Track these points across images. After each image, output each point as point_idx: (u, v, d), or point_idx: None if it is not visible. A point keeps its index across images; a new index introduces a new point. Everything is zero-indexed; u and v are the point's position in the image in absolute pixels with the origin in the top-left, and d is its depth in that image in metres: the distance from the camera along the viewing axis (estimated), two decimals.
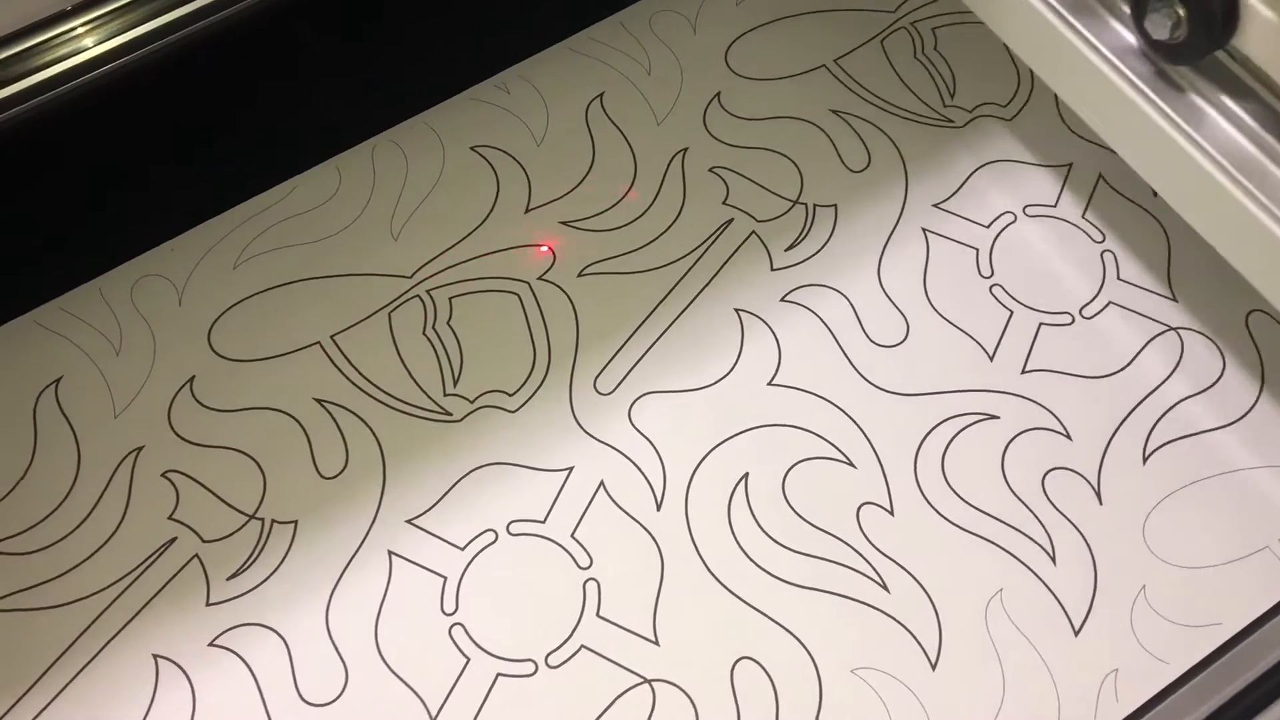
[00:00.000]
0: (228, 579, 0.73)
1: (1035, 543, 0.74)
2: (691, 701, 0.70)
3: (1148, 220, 0.85)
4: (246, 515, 0.75)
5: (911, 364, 0.80)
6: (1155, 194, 0.85)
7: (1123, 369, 0.80)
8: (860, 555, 0.74)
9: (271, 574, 0.73)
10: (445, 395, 0.79)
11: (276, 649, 0.71)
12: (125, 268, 0.84)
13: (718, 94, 0.90)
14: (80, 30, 0.70)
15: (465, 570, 0.73)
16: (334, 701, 0.70)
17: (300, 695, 0.70)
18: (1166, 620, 0.72)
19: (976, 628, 0.72)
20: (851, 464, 0.77)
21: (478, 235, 0.84)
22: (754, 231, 0.85)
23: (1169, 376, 0.80)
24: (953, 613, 0.72)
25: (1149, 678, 0.70)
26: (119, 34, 0.71)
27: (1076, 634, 0.72)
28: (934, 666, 0.71)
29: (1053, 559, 0.74)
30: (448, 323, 0.81)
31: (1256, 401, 0.79)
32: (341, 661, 0.71)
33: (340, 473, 0.76)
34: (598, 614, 0.72)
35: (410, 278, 0.83)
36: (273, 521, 0.75)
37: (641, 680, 0.70)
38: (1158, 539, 0.74)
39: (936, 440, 0.77)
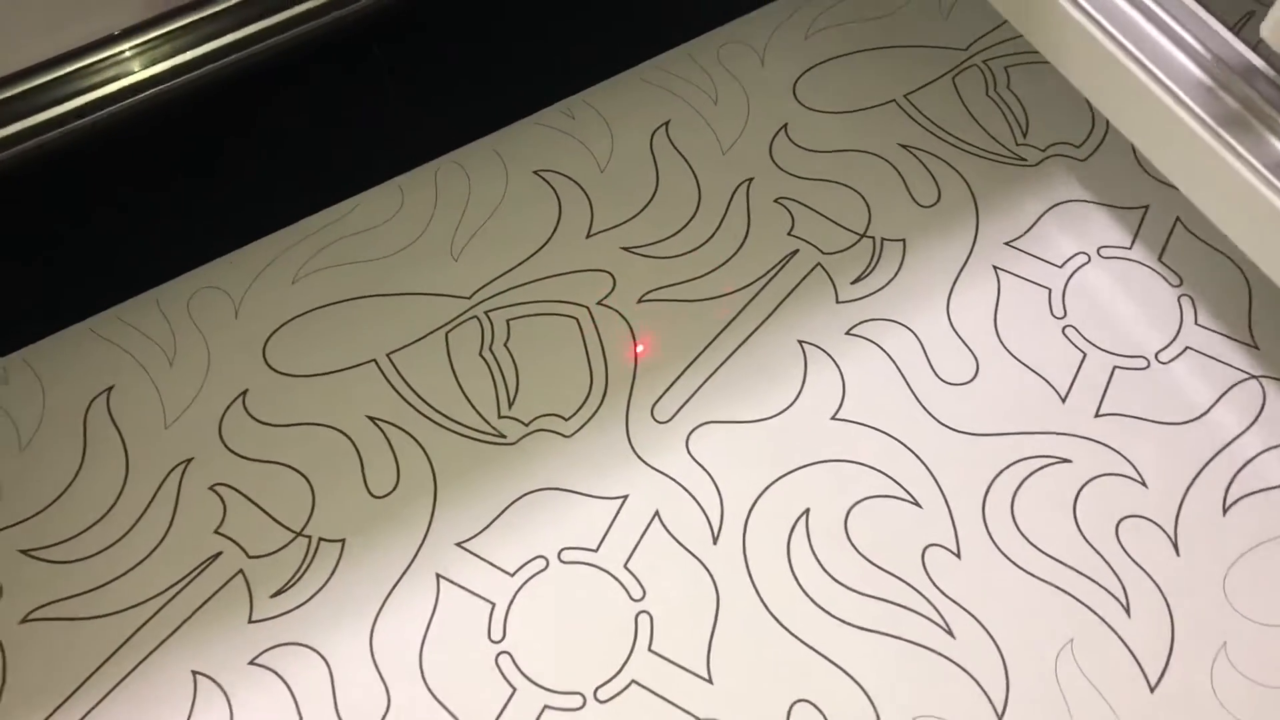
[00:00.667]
0: (271, 596, 0.71)
1: (1108, 592, 0.71)
2: None
3: (1227, 265, 0.83)
4: (294, 532, 0.73)
5: (981, 403, 0.77)
6: None
7: (1200, 417, 0.77)
8: (925, 598, 0.71)
9: (316, 593, 0.71)
10: (500, 418, 0.77)
11: (318, 670, 0.69)
12: (183, 279, 0.84)
13: (785, 125, 0.89)
14: (154, 43, 0.70)
15: (514, 597, 0.71)
16: None
17: (340, 718, 0.67)
18: (1250, 680, 0.68)
19: (1046, 679, 0.68)
20: (917, 504, 0.74)
21: (538, 259, 0.83)
22: (819, 263, 0.83)
23: (1250, 426, 0.76)
24: (1021, 662, 0.69)
25: None
26: (188, 48, 0.71)
27: (1153, 690, 0.68)
28: (1000, 717, 0.67)
29: (1126, 610, 0.70)
30: (505, 344, 0.80)
31: None
32: (384, 685, 0.68)
33: (391, 492, 0.75)
34: (650, 648, 0.70)
35: (469, 299, 0.82)
36: (320, 539, 0.73)
37: (693, 719, 0.67)
38: (1239, 594, 0.71)
39: (1006, 482, 0.75)
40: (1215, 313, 0.81)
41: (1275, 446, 0.76)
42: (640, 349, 0.74)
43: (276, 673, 0.69)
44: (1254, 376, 0.78)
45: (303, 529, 0.73)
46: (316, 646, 0.69)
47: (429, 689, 0.68)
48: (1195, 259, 0.83)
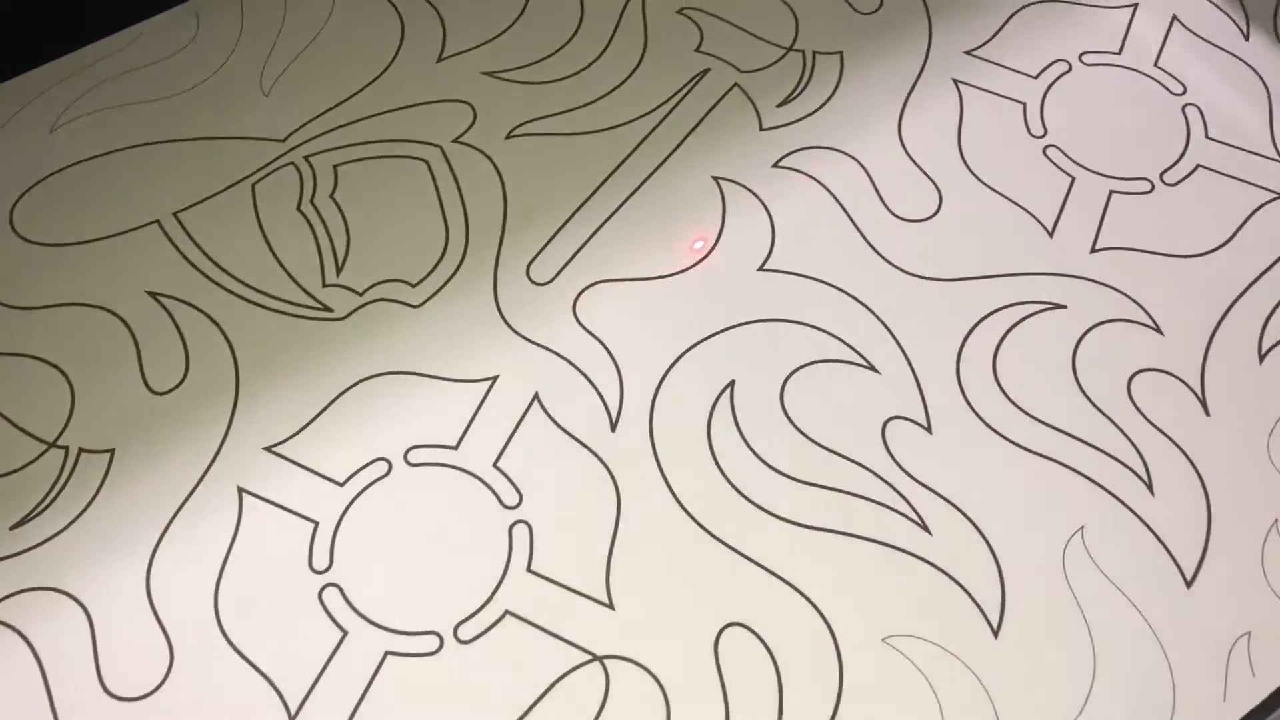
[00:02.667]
0: (12, 527, 0.52)
1: (1125, 466, 0.54)
2: (660, 684, 0.49)
3: (1240, 68, 0.66)
4: (45, 443, 0.54)
5: (947, 242, 0.60)
6: (1247, 37, 0.66)
7: (1223, 244, 0.61)
8: (889, 485, 0.54)
9: (74, 520, 0.52)
10: (325, 287, 0.58)
11: (74, 621, 0.50)
12: None
13: None
14: None
15: (344, 514, 0.53)
16: (152, 694, 0.49)
17: (104, 685, 0.49)
18: None
19: (1052, 579, 0.52)
20: (873, 368, 0.57)
21: (374, 90, 0.64)
22: (737, 84, 0.65)
23: None
24: (1018, 559, 0.52)
25: None
26: None
27: (1189, 585, 0.52)
28: (996, 632, 0.50)
29: (1149, 487, 0.54)
30: (331, 195, 0.61)
31: None
32: (165, 636, 0.50)
33: (177, 386, 0.56)
34: (529, 568, 0.52)
35: (283, 141, 0.63)
36: (80, 451, 0.54)
37: (590, 657, 0.50)
38: None
39: (985, 336, 0.58)
40: (1229, 123, 0.65)
41: None
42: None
43: (15, 629, 0.50)
44: None
45: (56, 439, 0.54)
46: (72, 590, 0.51)
47: (227, 638, 0.50)
48: (1200, 62, 0.66)
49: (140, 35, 0.66)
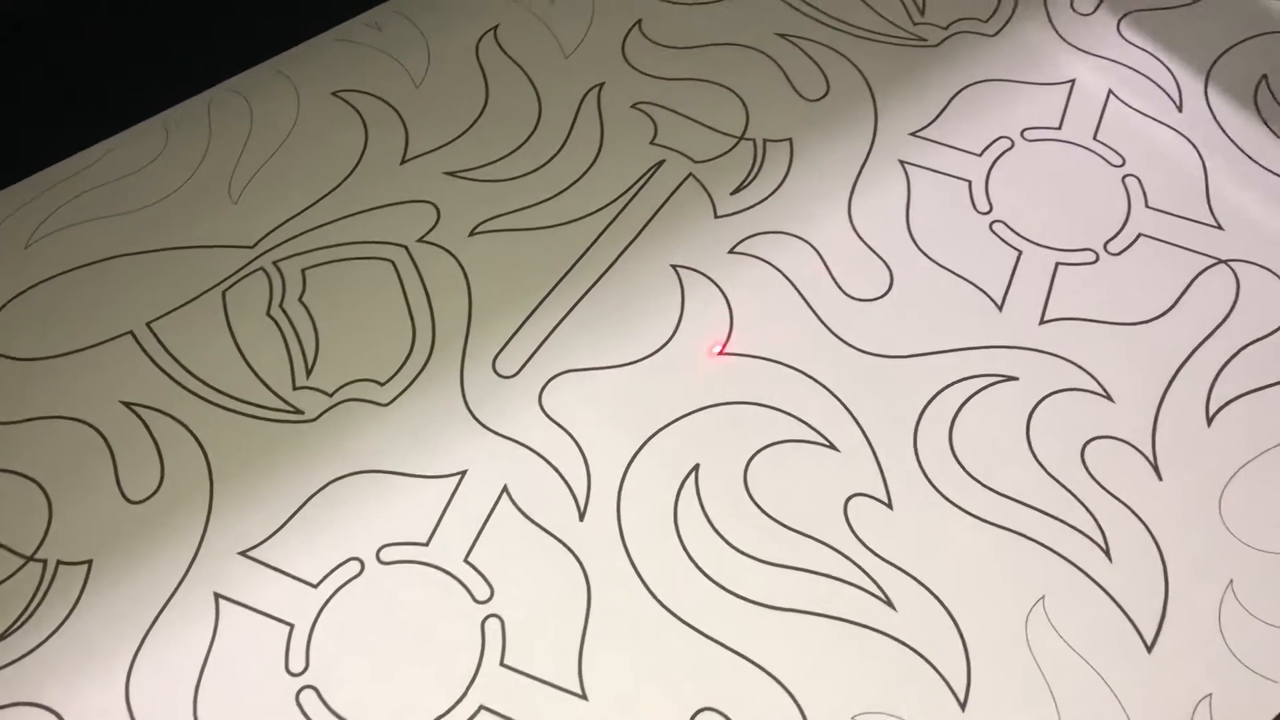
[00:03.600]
0: None
1: (1082, 533, 0.56)
2: None
3: (1175, 139, 0.69)
4: (23, 557, 0.55)
5: (899, 319, 0.62)
6: (1180, 108, 0.69)
7: (1168, 311, 0.63)
8: (853, 563, 0.55)
9: (53, 633, 0.53)
10: (295, 390, 0.60)
11: None
12: None
13: (638, 21, 0.74)
14: None
15: (320, 614, 0.54)
16: None
17: None
18: (1268, 624, 0.53)
19: (1016, 649, 0.53)
20: (833, 446, 0.58)
21: (340, 194, 0.66)
22: (691, 173, 0.67)
23: (1227, 317, 0.62)
24: (982, 631, 0.53)
25: (1257, 702, 0.52)
26: None
27: (1150, 649, 0.53)
28: (963, 705, 0.51)
29: (1107, 554, 0.55)
30: (300, 299, 0.63)
31: None
32: None
33: (152, 494, 0.57)
34: (502, 662, 0.53)
35: (252, 248, 0.64)
36: (58, 563, 0.55)
37: None
38: (1240, 519, 0.56)
39: (940, 410, 0.59)
40: (1169, 192, 0.67)
41: (1258, 339, 0.61)
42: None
43: None
44: (1223, 261, 0.64)
45: (35, 552, 0.55)
46: (51, 704, 0.51)
47: None
48: (1137, 133, 0.69)
49: (111, 150, 0.68)
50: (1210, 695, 0.52)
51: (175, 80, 0.70)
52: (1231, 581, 0.54)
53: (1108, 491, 0.57)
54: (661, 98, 0.70)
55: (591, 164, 0.68)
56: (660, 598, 0.54)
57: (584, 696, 0.52)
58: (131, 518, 0.56)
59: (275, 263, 0.64)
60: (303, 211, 0.66)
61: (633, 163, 0.68)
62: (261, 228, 0.65)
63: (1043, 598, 0.54)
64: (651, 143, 0.68)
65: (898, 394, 0.60)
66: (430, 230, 0.65)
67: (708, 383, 0.60)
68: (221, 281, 0.63)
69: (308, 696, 0.52)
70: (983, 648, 0.53)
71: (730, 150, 0.68)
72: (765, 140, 0.69)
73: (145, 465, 0.58)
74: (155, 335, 0.62)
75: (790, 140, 0.69)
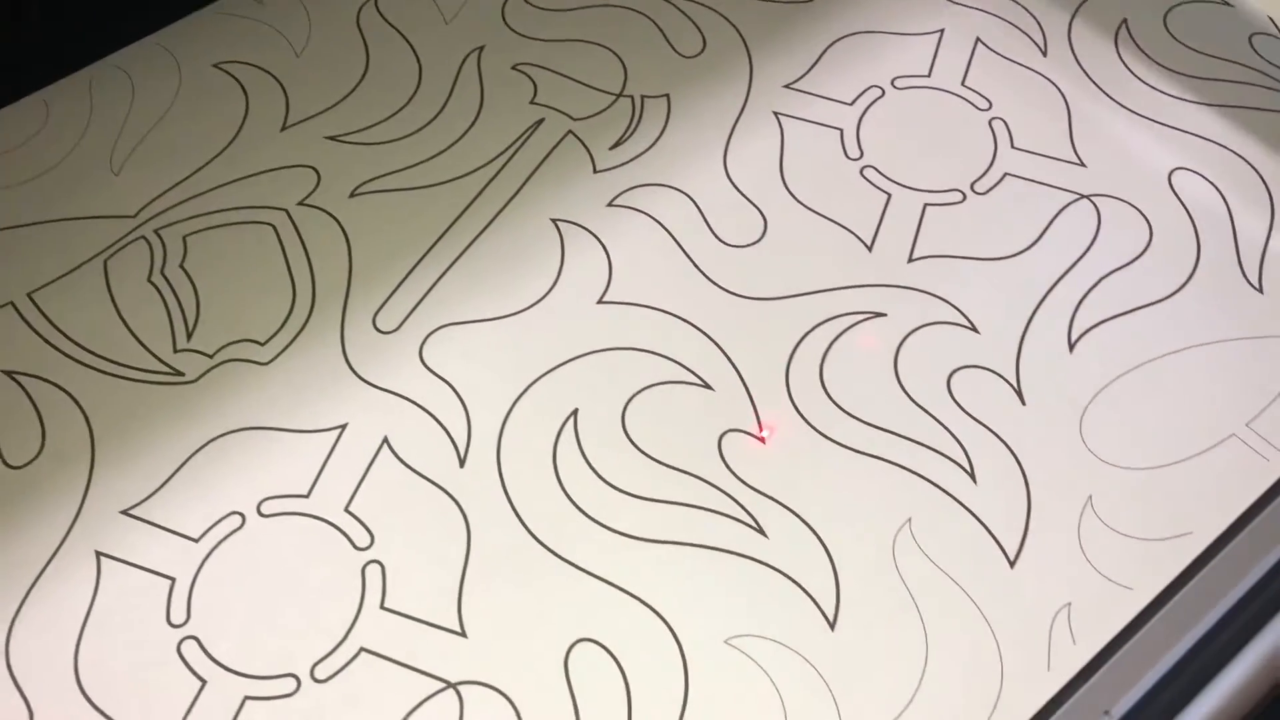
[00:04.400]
0: None
1: (948, 458, 0.58)
2: (511, 704, 0.51)
3: (1040, 82, 0.71)
4: None
5: (773, 264, 0.64)
6: (1045, 53, 0.71)
7: (1031, 246, 0.65)
8: (727, 495, 0.56)
9: None
10: (176, 352, 0.60)
11: None
12: None
13: None
14: None
15: (200, 568, 0.54)
16: None
17: None
18: (1124, 536, 0.56)
19: (884, 570, 0.54)
20: (708, 385, 0.60)
21: (220, 162, 0.67)
22: (570, 131, 0.69)
23: (1088, 250, 0.64)
24: (850, 554, 0.55)
25: (1112, 608, 0.54)
26: None
27: (1012, 564, 0.55)
28: (833, 625, 0.53)
29: (971, 476, 0.57)
30: (180, 265, 0.63)
31: (1195, 270, 0.64)
32: (25, 703, 0.51)
33: (33, 460, 0.57)
34: (382, 605, 0.53)
35: (134, 217, 0.65)
36: None
37: (444, 685, 0.51)
38: (1100, 439, 0.58)
39: (811, 348, 0.61)
40: (1033, 133, 0.69)
41: (1117, 269, 0.64)
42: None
43: None
44: (1085, 196, 0.67)
45: None
46: None
47: (85, 696, 0.51)
48: (1003, 79, 0.71)
49: None
50: (1069, 604, 0.54)
51: (55, 58, 0.70)
52: (1090, 497, 0.56)
53: (973, 417, 0.59)
54: (541, 59, 0.71)
55: (471, 124, 0.69)
56: (539, 537, 0.55)
57: (463, 634, 0.53)
58: (12, 482, 0.56)
59: (156, 231, 0.64)
60: (183, 180, 0.66)
61: (512, 122, 0.69)
62: (142, 198, 0.66)
63: (909, 520, 0.56)
64: (531, 102, 0.70)
65: (771, 334, 0.61)
66: (310, 194, 0.66)
67: (587, 330, 0.61)
68: (102, 251, 0.64)
69: (189, 647, 0.52)
70: (851, 570, 0.54)
71: (609, 107, 0.70)
72: (643, 97, 0.70)
73: (26, 431, 0.58)
74: (36, 305, 0.62)
75: (668, 96, 0.70)
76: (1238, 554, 0.55)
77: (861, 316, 0.62)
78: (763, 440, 0.56)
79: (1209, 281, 0.63)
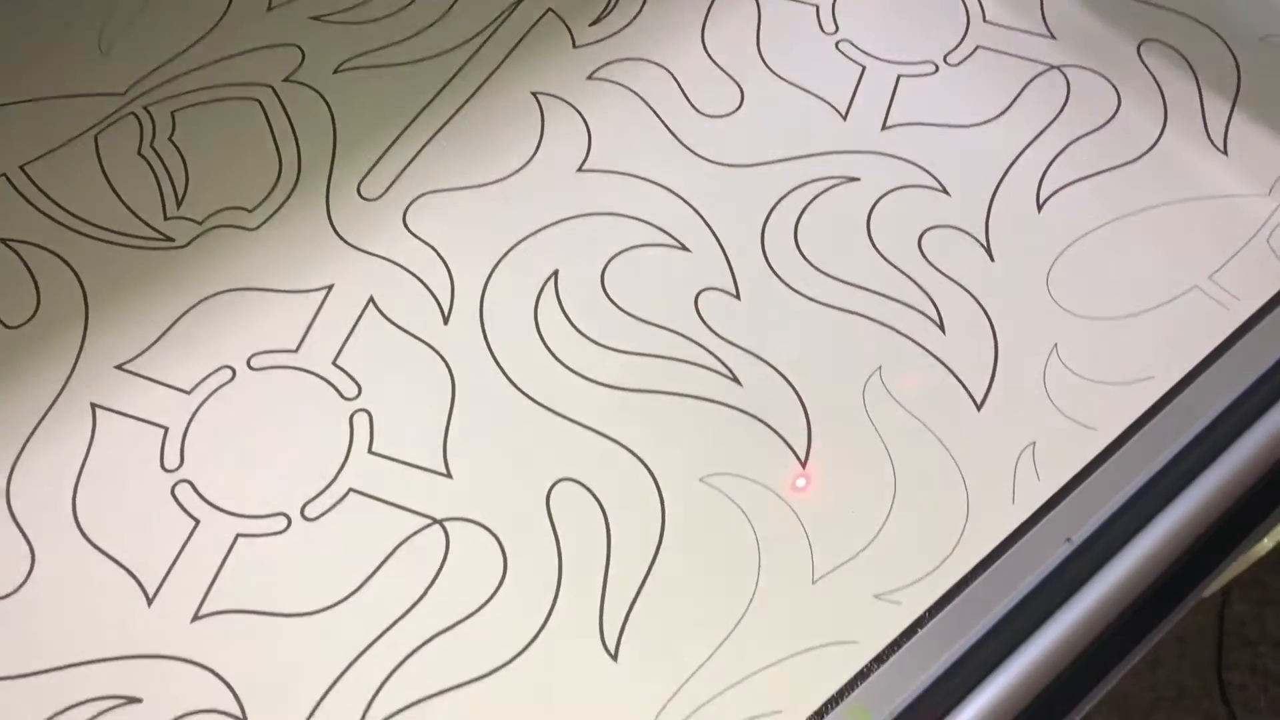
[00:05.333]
0: None
1: (917, 310, 0.59)
2: (496, 537, 0.53)
3: None
4: None
5: (749, 133, 0.65)
6: None
7: (1001, 114, 0.66)
8: (702, 347, 0.58)
9: None
10: (166, 220, 0.62)
11: None
12: None
13: None
14: None
15: (193, 417, 0.56)
16: (12, 594, 0.52)
17: None
18: (1088, 380, 0.57)
19: (853, 413, 0.56)
20: (685, 248, 0.61)
21: (208, 42, 0.68)
22: (550, 9, 0.70)
23: (1057, 116, 0.66)
24: (820, 399, 0.57)
25: (1075, 448, 0.56)
26: None
27: (979, 407, 0.56)
28: (804, 463, 0.55)
29: (940, 327, 0.59)
30: (170, 139, 0.64)
31: (1161, 134, 0.65)
32: (26, 541, 0.53)
33: (29, 320, 0.59)
34: (370, 450, 0.55)
35: (123, 94, 0.66)
36: None
37: (430, 521, 0.53)
38: (1066, 291, 0.60)
39: (786, 211, 0.62)
40: (1005, 7, 0.70)
41: (1086, 134, 0.65)
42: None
43: None
44: (1054, 67, 0.68)
45: None
46: None
47: (84, 534, 0.53)
48: None
49: None
50: (1034, 444, 0.55)
51: None
52: (1056, 345, 0.58)
53: (942, 273, 0.60)
54: None
55: (453, 2, 0.70)
56: (521, 387, 0.57)
57: (449, 475, 0.55)
58: (9, 341, 0.58)
59: (145, 107, 0.66)
60: (171, 59, 0.67)
61: (491, 1, 0.70)
62: (131, 76, 0.67)
63: (879, 368, 0.58)
64: None
65: (747, 198, 0.63)
66: (295, 70, 0.67)
67: (568, 197, 0.63)
68: (93, 126, 0.65)
69: (183, 489, 0.54)
70: (822, 414, 0.56)
71: None
72: None
73: (22, 294, 0.60)
74: (29, 177, 0.63)
75: None
76: (1197, 396, 0.57)
77: (836, 181, 0.63)
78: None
79: (1175, 146, 0.65)
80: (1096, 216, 0.62)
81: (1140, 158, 0.64)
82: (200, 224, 0.62)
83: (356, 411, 0.56)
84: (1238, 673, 1.31)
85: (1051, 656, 0.50)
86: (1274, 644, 1.32)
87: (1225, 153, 0.64)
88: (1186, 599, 0.53)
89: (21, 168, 0.64)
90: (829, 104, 0.66)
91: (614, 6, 0.70)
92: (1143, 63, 0.68)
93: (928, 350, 0.58)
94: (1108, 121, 0.66)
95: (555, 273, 0.61)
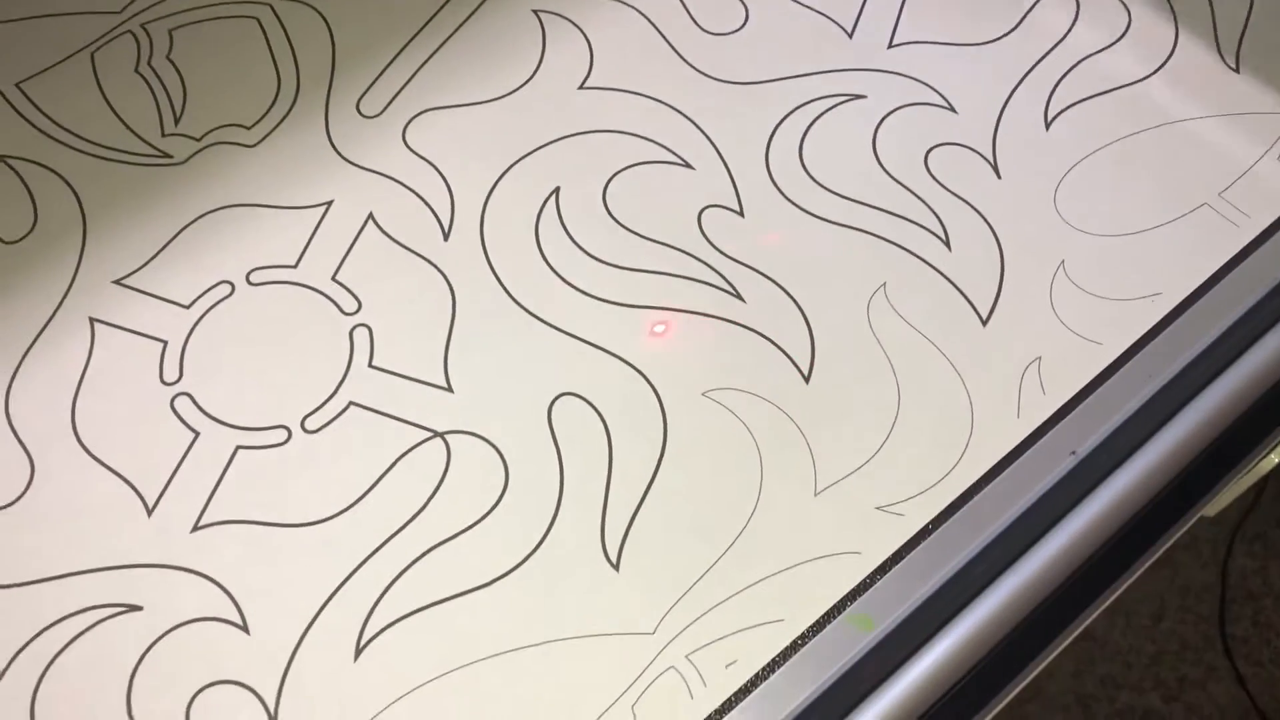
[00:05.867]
0: None
1: (923, 227, 0.59)
2: (497, 450, 0.53)
3: None
4: None
5: (754, 50, 0.64)
6: None
7: (1010, 31, 0.65)
8: (704, 264, 0.58)
9: None
10: (164, 136, 0.61)
11: None
12: None
13: None
14: None
15: (191, 331, 0.56)
16: (12, 504, 0.51)
17: None
18: (1095, 296, 0.57)
19: (857, 329, 0.56)
20: (688, 165, 0.60)
21: None
22: None
23: (1067, 33, 0.65)
24: (825, 315, 0.56)
25: (1081, 362, 0.55)
26: None
27: (985, 322, 0.56)
28: (807, 378, 0.54)
29: (946, 243, 0.58)
30: (167, 56, 0.64)
31: (1173, 50, 0.64)
32: (25, 453, 0.53)
33: (26, 235, 0.58)
34: (370, 364, 0.55)
35: (119, 13, 0.65)
36: None
37: (431, 434, 0.53)
38: (1073, 208, 0.59)
39: (790, 129, 0.62)
40: None
41: (1095, 52, 0.64)
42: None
43: None
44: None
45: None
46: None
47: (83, 446, 0.52)
48: None
49: None
50: (1040, 358, 0.55)
51: None
52: (1063, 261, 0.57)
53: (948, 190, 0.60)
54: None
55: None
56: (522, 302, 0.57)
57: (449, 389, 0.54)
58: (6, 256, 0.58)
59: (142, 25, 0.65)
60: None
61: None
62: None
63: (884, 284, 0.57)
64: None
65: (751, 115, 0.62)
66: None
67: (569, 115, 0.62)
68: (90, 44, 0.64)
69: (182, 402, 0.54)
70: (826, 329, 0.56)
71: None
72: None
73: (19, 209, 0.59)
74: (25, 94, 0.63)
75: None
76: (1204, 311, 0.56)
77: (842, 99, 0.62)
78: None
79: (1186, 64, 0.64)
80: (1105, 134, 0.61)
81: (1150, 75, 0.63)
82: (198, 140, 0.61)
83: (356, 326, 0.56)
84: (1240, 626, 1.31)
85: (1052, 568, 0.50)
86: (1277, 598, 1.32)
87: (1237, 70, 0.63)
88: (1189, 513, 0.53)
89: (18, 85, 0.63)
90: (834, 21, 0.65)
91: None
92: None
93: (933, 266, 0.58)
94: (1118, 39, 0.65)
95: (557, 190, 0.60)
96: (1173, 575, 1.33)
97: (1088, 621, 0.51)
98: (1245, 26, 0.65)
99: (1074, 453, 0.52)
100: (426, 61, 0.64)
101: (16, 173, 0.60)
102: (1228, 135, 0.61)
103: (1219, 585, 1.33)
